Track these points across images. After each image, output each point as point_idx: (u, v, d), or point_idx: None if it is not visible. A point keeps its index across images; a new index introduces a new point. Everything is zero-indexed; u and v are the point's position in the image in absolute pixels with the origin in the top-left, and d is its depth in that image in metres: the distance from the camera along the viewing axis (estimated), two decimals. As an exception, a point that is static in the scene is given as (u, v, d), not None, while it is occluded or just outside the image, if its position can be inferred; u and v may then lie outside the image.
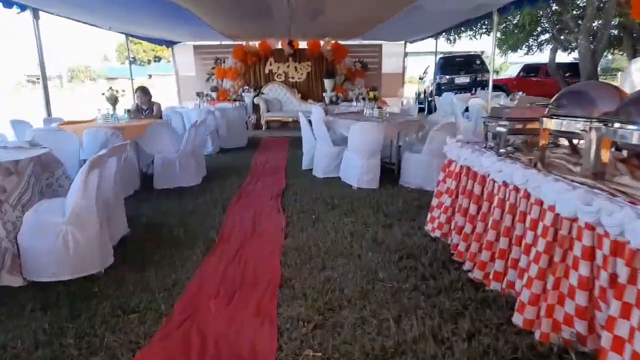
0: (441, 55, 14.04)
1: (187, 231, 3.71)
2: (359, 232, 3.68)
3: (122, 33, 8.70)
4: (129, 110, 5.74)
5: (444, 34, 11.71)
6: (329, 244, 3.43)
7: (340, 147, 5.60)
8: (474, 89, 11.76)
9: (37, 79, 53.95)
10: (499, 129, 2.85)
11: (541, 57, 20.61)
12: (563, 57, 22.27)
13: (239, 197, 4.83)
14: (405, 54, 12.32)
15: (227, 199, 4.74)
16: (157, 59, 49.38)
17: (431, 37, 11.73)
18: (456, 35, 15.41)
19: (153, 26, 8.38)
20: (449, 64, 13.64)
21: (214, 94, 11.52)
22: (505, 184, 2.63)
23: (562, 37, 12.22)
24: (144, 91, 6.17)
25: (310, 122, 5.97)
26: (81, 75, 59.44)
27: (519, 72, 17.72)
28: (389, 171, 5.70)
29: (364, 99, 8.57)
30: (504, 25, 14.62)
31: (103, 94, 5.56)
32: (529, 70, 17.61)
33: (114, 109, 5.57)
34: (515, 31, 14.75)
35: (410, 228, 3.77)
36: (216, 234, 3.65)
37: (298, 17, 8.34)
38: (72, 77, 61.45)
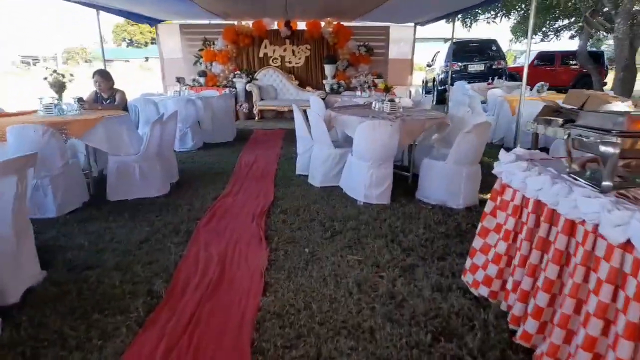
0: (453, 41, 12.84)
1: (125, 279, 2.63)
2: (370, 282, 2.61)
3: (90, 5, 7.53)
4: (81, 100, 4.62)
5: (458, 16, 10.51)
6: (326, 306, 2.36)
7: (343, 150, 4.51)
8: (490, 78, 10.59)
9: (33, 59, 52.69)
10: (604, 148, 1.75)
11: (556, 44, 19.39)
12: (565, 45, 20.97)
13: (211, 216, 3.75)
14: (415, 38, 11.10)
15: (195, 219, 3.66)
16: (155, 41, 47.94)
17: (444, 19, 10.54)
18: (472, 18, 14.09)
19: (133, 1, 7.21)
20: (462, 50, 12.46)
21: (201, 79, 10.36)
22: (627, 246, 1.55)
23: (594, 21, 10.99)
24: (103, 76, 5.05)
25: (306, 115, 4.86)
26: (77, 57, 58.09)
27: (533, 60, 16.54)
28: (402, 179, 4.63)
29: (369, 87, 7.42)
30: (523, 7, 13.36)
31: (45, 78, 4.42)
32: (544, 58, 16.44)
33: (60, 97, 4.44)
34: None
35: (441, 274, 2.70)
36: (165, 285, 2.57)
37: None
38: (68, 58, 60.09)
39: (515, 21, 14.51)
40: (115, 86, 5.20)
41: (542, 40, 16.01)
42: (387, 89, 4.94)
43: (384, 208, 3.94)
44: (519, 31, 15.50)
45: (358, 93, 7.32)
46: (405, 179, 4.71)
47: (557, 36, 15.96)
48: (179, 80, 7.28)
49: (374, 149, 3.94)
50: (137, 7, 8.12)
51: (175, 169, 4.84)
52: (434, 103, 12.33)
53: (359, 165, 4.05)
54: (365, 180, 4.00)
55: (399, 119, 4.28)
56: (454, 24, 9.16)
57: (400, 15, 9.51)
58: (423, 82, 15.69)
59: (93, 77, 5.03)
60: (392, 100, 4.84)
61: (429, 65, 15.23)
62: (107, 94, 5.12)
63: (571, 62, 16.18)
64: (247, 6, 8.45)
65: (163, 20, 10.47)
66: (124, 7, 7.90)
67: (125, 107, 5.19)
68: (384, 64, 11.00)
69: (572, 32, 15.57)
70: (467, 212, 3.85)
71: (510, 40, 16.26)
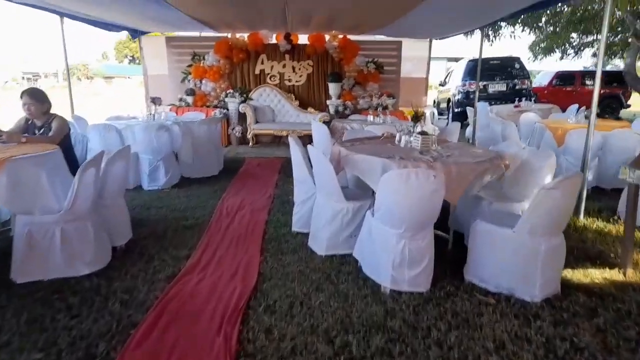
0: (470, 58, 11.66)
1: None
2: None
3: (56, 12, 6.33)
4: (-5, 131, 3.34)
5: (477, 30, 9.30)
6: None
7: (358, 204, 3.20)
8: (517, 99, 9.34)
9: (34, 75, 52.05)
10: None
11: (575, 63, 18.19)
12: (567, 65, 19.74)
13: (155, 318, 2.40)
14: (430, 55, 9.89)
15: (129, 326, 2.32)
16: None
17: (464, 32, 9.36)
18: (494, 32, 12.88)
19: (100, 4, 6.00)
20: (481, 68, 11.20)
21: (189, 99, 9.12)
22: None
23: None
24: (34, 96, 3.76)
25: (307, 149, 3.56)
26: (78, 73, 57.62)
27: (551, 80, 15.38)
28: (438, 242, 3.29)
29: (384, 108, 6.14)
30: (551, 23, 12.18)
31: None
32: (563, 78, 15.28)
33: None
34: (557, 30, 12.31)
35: None
36: None
37: (294, 4, 5.99)
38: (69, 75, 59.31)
39: (537, 37, 13.33)
40: (51, 110, 3.91)
41: (561, 58, 14.80)
42: (417, 117, 3.62)
43: (423, 302, 2.60)
44: (540, 49, 14.30)
45: (370, 117, 6.04)
46: (442, 242, 3.38)
47: (577, 54, 14.76)
48: (154, 100, 6.03)
49: (408, 211, 2.62)
50: (109, 14, 6.90)
51: (127, 225, 3.51)
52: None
53: (384, 233, 2.72)
54: (393, 256, 2.67)
55: (438, 162, 2.97)
56: (482, 39, 7.90)
57: (417, 29, 8.31)
58: (434, 102, 14.46)
59: (21, 99, 3.75)
60: (424, 133, 3.53)
61: (441, 85, 14.02)
62: (40, 120, 3.84)
63: (592, 82, 15.04)
64: (241, 14, 7.24)
65: (147, 32, 9.29)
66: (94, 14, 6.69)
67: (66, 139, 3.90)
68: (396, 82, 9.76)
69: (595, 49, 14.39)
70: (551, 311, 2.51)
71: (529, 59, 15.07)
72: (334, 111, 8.84)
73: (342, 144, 3.62)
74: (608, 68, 24.17)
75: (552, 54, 14.40)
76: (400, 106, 9.54)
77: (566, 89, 15.10)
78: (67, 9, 6.13)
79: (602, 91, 15.24)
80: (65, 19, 6.52)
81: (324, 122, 8.62)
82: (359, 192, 3.48)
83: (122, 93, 29.19)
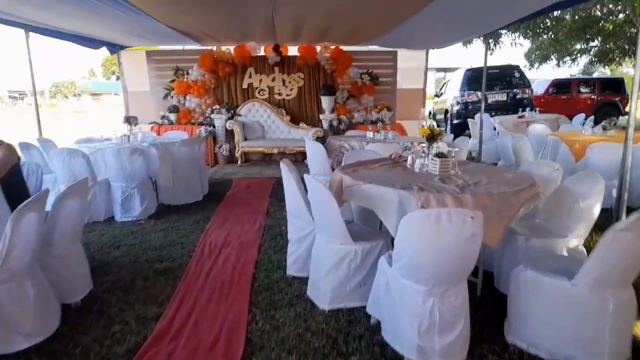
0: (468, 68, 11.20)
1: None
2: None
3: (21, 25, 5.73)
4: None
5: (478, 38, 8.86)
6: None
7: (368, 246, 2.60)
8: (520, 109, 8.85)
9: (20, 94, 51.26)
10: None
11: (567, 71, 17.91)
12: (558, 72, 19.60)
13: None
14: (427, 65, 9.40)
15: None
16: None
17: (462, 41, 8.89)
18: (495, 40, 12.45)
19: (70, 15, 5.40)
20: (479, 78, 10.74)
21: (172, 116, 8.52)
22: None
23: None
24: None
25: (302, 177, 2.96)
26: (65, 91, 56.95)
27: (547, 88, 15.01)
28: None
29: (382, 121, 5.58)
30: (551, 29, 11.79)
31: None
32: (559, 86, 14.93)
33: None
34: (559, 37, 11.92)
35: None
36: None
37: (283, 13, 5.45)
38: (56, 92, 58.87)
39: (535, 45, 12.95)
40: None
41: (558, 65, 14.44)
42: (433, 137, 3.03)
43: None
44: (536, 56, 13.93)
45: (369, 134, 5.47)
46: (469, 287, 2.78)
47: (574, 62, 14.42)
48: (129, 120, 5.40)
49: (438, 263, 2.02)
50: (82, 26, 6.29)
51: (84, 277, 2.87)
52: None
53: (407, 290, 2.12)
54: (419, 319, 2.07)
55: (467, 194, 2.39)
56: (486, 48, 7.41)
57: (414, 39, 7.82)
58: (430, 114, 13.99)
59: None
60: (441, 155, 2.95)
61: (437, 96, 13.56)
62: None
63: (589, 89, 14.73)
64: (226, 24, 6.68)
65: (126, 47, 8.69)
66: (62, 27, 6.08)
67: (14, 172, 3.25)
68: (392, 94, 9.25)
69: (591, 55, 14.07)
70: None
71: (525, 67, 14.69)
72: (328, 126, 8.28)
73: (344, 170, 3.02)
74: (595, 75, 24.10)
75: (548, 61, 14.02)
76: (397, 119, 9.02)
77: (563, 97, 14.74)
78: (34, 21, 5.54)
79: (599, 98, 14.99)
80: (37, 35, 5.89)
81: (318, 138, 8.06)
82: (369, 230, 2.88)
83: (109, 110, 28.47)
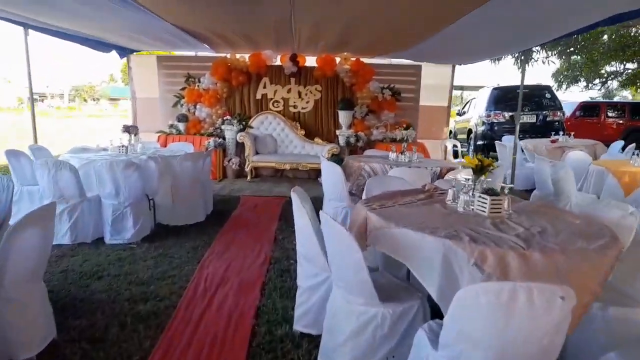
0: (495, 86, 10.61)
1: None
2: None
3: (20, 23, 5.34)
4: None
5: (512, 56, 8.29)
6: None
7: (399, 307, 2.01)
8: (553, 133, 8.22)
9: (40, 96, 52.00)
10: None
11: (591, 93, 17.26)
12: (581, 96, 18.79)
13: None
14: (453, 82, 8.83)
15: None
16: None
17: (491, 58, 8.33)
18: (527, 57, 11.82)
19: (71, 13, 4.98)
20: (506, 98, 10.18)
21: (181, 126, 8.06)
22: None
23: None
24: None
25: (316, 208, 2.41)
26: (84, 95, 57.72)
27: (574, 111, 14.31)
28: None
29: (406, 140, 5.00)
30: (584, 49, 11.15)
31: None
32: (587, 109, 14.22)
33: None
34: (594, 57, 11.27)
35: None
36: None
37: (301, 18, 4.97)
38: (75, 96, 59.73)
39: (566, 64, 12.31)
40: None
41: (587, 87, 13.75)
42: (482, 169, 2.44)
43: None
44: (565, 77, 13.27)
45: (392, 155, 4.89)
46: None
47: (604, 84, 13.71)
48: (128, 130, 4.91)
49: (512, 355, 1.43)
50: (83, 25, 5.87)
51: (44, 325, 2.34)
52: (457, 157, 9.90)
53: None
54: None
55: (536, 251, 1.80)
56: (523, 65, 6.83)
57: (440, 54, 7.28)
58: (450, 133, 13.39)
59: None
60: (491, 193, 2.37)
61: (459, 114, 12.96)
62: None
63: (618, 114, 14.01)
64: (241, 29, 6.23)
65: (136, 51, 8.30)
66: (65, 26, 5.67)
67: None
68: (414, 111, 8.70)
69: (623, 79, 13.35)
70: None
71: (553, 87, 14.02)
72: (345, 142, 7.73)
73: (369, 205, 2.45)
74: (616, 99, 23.21)
75: (577, 83, 13.36)
76: (419, 138, 8.45)
77: (590, 121, 14.03)
78: (34, 19, 5.13)
79: (628, 124, 14.24)
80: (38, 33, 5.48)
81: (334, 155, 7.53)
82: (399, 284, 2.29)
83: (125, 115, 28.37)
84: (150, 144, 5.95)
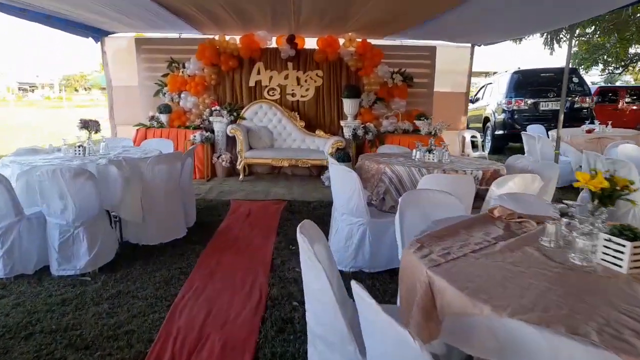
0: (515, 70, 9.59)
1: None
2: None
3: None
4: None
5: (530, 36, 7.29)
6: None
7: None
8: (587, 121, 7.27)
9: (30, 86, 51.00)
10: None
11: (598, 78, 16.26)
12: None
13: None
14: (472, 65, 7.84)
15: None
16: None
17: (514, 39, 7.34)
18: (556, 36, 10.77)
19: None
20: (528, 82, 9.18)
21: (163, 118, 7.05)
22: None
23: None
24: None
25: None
26: (75, 85, 56.44)
27: (592, 97, 13.35)
28: None
29: (433, 134, 4.01)
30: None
31: None
32: (605, 94, 13.24)
33: None
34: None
35: None
36: None
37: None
38: (66, 85, 58.39)
39: (583, 46, 11.28)
40: None
41: (606, 71, 12.74)
42: (612, 194, 1.49)
43: None
44: (583, 60, 12.25)
45: (417, 153, 3.91)
46: None
47: (626, 68, 12.72)
48: (87, 125, 3.90)
49: None
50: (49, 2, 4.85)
51: None
52: (487, 151, 8.96)
53: None
54: None
55: None
56: (570, 41, 5.84)
57: (458, 30, 6.29)
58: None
59: None
60: (634, 236, 1.41)
61: (471, 102, 11.95)
62: None
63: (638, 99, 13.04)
64: (231, 4, 5.21)
65: (112, 33, 7.26)
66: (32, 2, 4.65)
67: None
68: (427, 98, 7.70)
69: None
70: None
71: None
72: (352, 135, 6.75)
73: (427, 255, 1.49)
74: (618, 84, 22.20)
75: (597, 65, 12.37)
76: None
77: (608, 107, 13.06)
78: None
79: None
80: None
81: (338, 150, 6.56)
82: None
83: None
84: (119, 141, 4.95)
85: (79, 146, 3.84)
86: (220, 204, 5.33)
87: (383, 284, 3.09)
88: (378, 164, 3.63)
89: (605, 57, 11.83)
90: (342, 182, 3.22)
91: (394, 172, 3.50)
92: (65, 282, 3.05)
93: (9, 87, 54.93)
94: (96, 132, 3.99)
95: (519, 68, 9.63)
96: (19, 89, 57.44)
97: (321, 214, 4.89)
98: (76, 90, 54.99)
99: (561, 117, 5.34)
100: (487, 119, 10.02)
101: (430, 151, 3.84)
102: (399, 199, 2.31)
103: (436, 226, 1.81)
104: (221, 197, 5.65)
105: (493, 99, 9.88)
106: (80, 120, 3.92)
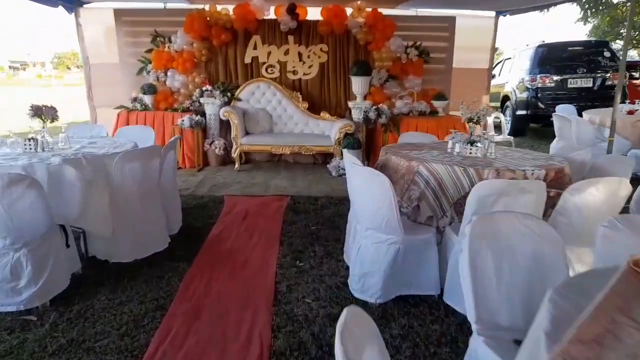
0: (540, 43, 8.69)
1: None
2: None
3: None
4: None
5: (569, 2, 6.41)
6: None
7: None
8: (627, 100, 6.46)
9: (21, 64, 49.80)
10: None
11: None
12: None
13: None
14: (495, 36, 6.97)
15: None
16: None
17: (543, 8, 6.47)
18: (591, 5, 9.83)
19: None
20: (554, 57, 8.30)
21: (148, 99, 6.21)
22: None
23: None
24: None
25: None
26: (68, 62, 55.04)
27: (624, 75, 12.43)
28: None
29: (475, 121, 3.19)
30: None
31: None
32: (630, 69, 12.35)
33: None
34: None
35: None
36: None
37: None
38: (58, 64, 56.89)
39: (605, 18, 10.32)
40: None
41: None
42: None
43: None
44: (607, 34, 11.31)
45: (455, 146, 3.11)
46: None
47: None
48: (39, 112, 3.10)
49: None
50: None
51: None
52: (507, 134, 8.15)
53: None
54: None
55: None
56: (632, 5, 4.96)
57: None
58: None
59: None
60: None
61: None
62: None
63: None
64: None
65: (87, 2, 6.36)
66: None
67: None
68: (446, 75, 6.87)
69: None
70: None
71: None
72: (363, 118, 5.95)
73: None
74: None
75: (620, 40, 11.44)
76: (451, 109, 6.67)
77: (634, 83, 12.19)
78: None
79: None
80: None
81: (347, 135, 5.77)
82: None
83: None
84: (89, 129, 4.12)
85: (30, 139, 3.03)
86: (212, 201, 4.56)
87: (421, 321, 2.35)
88: (409, 161, 2.84)
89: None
90: (368, 189, 2.44)
91: (431, 171, 2.72)
92: (2, 325, 2.30)
93: (1, 66, 53.47)
94: (52, 121, 3.17)
95: (543, 41, 8.73)
96: (10, 67, 56.00)
97: (331, 214, 4.13)
98: (68, 68, 53.49)
99: (618, 96, 4.52)
100: (506, 98, 9.17)
101: (472, 143, 3.05)
102: (472, 227, 1.54)
103: (564, 301, 1.04)
104: (213, 192, 4.88)
105: (513, 75, 9.01)
106: (31, 106, 3.11)
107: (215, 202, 4.52)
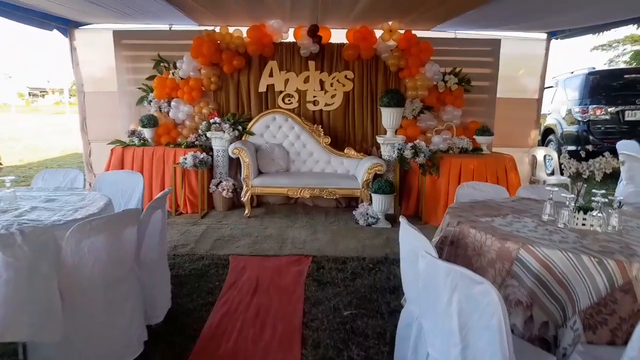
0: (590, 70, 7.76)
1: None
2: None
3: None
4: None
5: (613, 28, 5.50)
6: None
7: None
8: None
9: (40, 91, 50.17)
10: None
11: None
12: None
13: None
14: (547, 61, 6.08)
15: None
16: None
17: (606, 29, 5.57)
18: None
19: None
20: (609, 86, 7.36)
21: (147, 132, 5.40)
22: None
23: None
24: None
25: None
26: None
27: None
28: None
29: (588, 175, 2.21)
30: None
31: None
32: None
33: None
34: None
35: None
36: None
37: None
38: (75, 91, 57.61)
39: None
40: None
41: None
42: None
43: None
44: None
45: (559, 214, 2.16)
46: None
47: None
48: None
49: None
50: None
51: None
52: (552, 174, 7.14)
53: None
54: None
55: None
56: None
57: (532, 11, 4.57)
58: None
59: None
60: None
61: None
62: None
63: None
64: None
65: (85, 24, 5.66)
66: None
67: None
68: (488, 106, 5.96)
69: None
70: None
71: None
72: (397, 157, 5.03)
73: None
74: None
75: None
76: (494, 145, 5.74)
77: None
78: None
79: None
80: None
81: (377, 177, 4.86)
82: None
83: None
84: (58, 175, 3.21)
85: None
86: (214, 264, 3.64)
87: None
88: (503, 241, 1.88)
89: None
90: (428, 276, 1.48)
91: (541, 259, 1.76)
92: None
93: (20, 93, 54.13)
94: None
95: (594, 68, 7.81)
96: (29, 94, 56.68)
97: (367, 287, 3.18)
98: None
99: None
100: (549, 131, 8.20)
101: (586, 211, 2.09)
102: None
103: None
104: (217, 251, 3.95)
105: (558, 105, 8.06)
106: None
107: (218, 265, 3.59)
